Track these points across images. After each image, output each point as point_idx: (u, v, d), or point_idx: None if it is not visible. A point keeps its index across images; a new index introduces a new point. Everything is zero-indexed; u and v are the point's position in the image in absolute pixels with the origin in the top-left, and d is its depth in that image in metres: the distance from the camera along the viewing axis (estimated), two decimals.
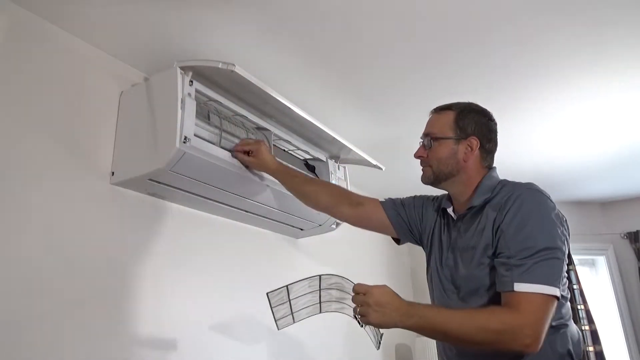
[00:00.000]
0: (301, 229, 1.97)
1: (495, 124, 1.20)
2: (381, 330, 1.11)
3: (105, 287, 1.29)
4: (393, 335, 2.80)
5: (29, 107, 1.22)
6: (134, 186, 1.40)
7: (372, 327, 1.12)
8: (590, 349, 2.80)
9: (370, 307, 0.98)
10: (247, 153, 1.42)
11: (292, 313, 1.15)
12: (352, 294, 1.03)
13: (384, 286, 1.01)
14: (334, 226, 1.93)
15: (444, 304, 1.14)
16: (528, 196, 1.04)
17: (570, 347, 1.02)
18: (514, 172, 2.63)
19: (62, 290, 1.19)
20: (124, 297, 1.33)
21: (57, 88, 1.29)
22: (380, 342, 1.15)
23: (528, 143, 2.21)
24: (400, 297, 1.00)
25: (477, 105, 1.20)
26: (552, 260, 0.96)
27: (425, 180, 1.21)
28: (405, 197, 1.37)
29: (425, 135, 1.20)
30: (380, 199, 1.38)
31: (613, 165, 2.54)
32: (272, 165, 1.42)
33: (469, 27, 1.39)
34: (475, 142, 1.14)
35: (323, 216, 1.79)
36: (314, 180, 1.58)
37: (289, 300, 1.15)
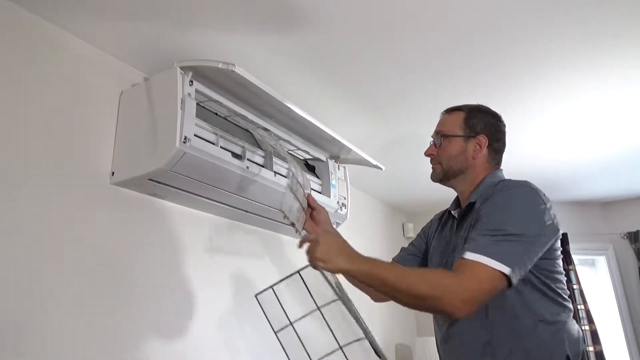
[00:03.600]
0: (302, 229, 1.96)
1: (504, 125, 1.24)
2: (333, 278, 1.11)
3: (105, 287, 1.29)
4: (393, 335, 2.80)
5: (29, 107, 1.22)
6: (134, 186, 1.39)
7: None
8: (590, 349, 2.80)
9: (317, 259, 1.01)
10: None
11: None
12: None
13: (328, 236, 1.06)
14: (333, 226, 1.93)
15: None
16: (516, 188, 1.08)
17: (567, 347, 1.01)
18: (515, 173, 2.62)
19: (62, 290, 1.19)
20: (123, 298, 1.33)
21: (57, 88, 1.29)
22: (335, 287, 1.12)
23: (528, 143, 2.21)
24: (346, 245, 1.05)
25: (486, 107, 1.25)
26: (515, 244, 0.96)
27: (435, 177, 1.24)
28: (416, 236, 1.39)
29: (436, 133, 1.24)
30: (394, 257, 1.36)
31: (613, 165, 2.53)
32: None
33: (469, 28, 1.38)
34: (484, 140, 1.18)
35: None
36: None
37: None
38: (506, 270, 0.93)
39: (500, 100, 1.81)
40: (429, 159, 1.24)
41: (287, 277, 1.11)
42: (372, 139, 2.11)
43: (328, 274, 1.06)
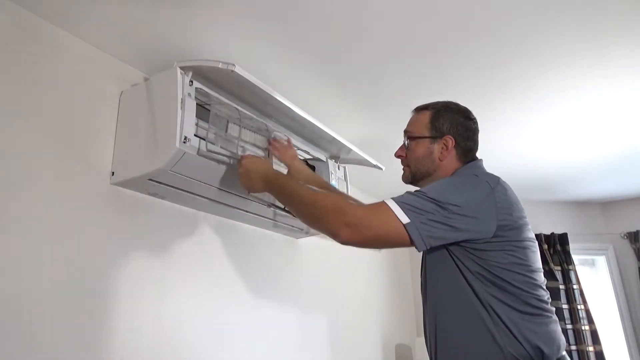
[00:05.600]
0: (301, 229, 1.97)
1: (474, 122, 1.20)
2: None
3: (105, 288, 1.29)
4: (393, 335, 2.80)
5: (29, 107, 1.22)
6: (134, 186, 1.39)
7: None
8: (590, 349, 2.80)
9: (241, 174, 1.23)
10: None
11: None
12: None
13: (255, 157, 1.25)
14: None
15: (422, 293, 1.18)
16: (464, 174, 1.10)
17: (522, 340, 0.95)
18: (515, 173, 2.64)
19: (61, 290, 1.19)
20: (124, 298, 1.33)
21: (57, 88, 1.29)
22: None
23: (528, 143, 2.21)
24: (268, 167, 1.21)
25: (455, 104, 1.21)
26: (428, 204, 0.97)
27: (405, 179, 1.25)
28: None
29: (404, 133, 1.24)
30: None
31: (613, 165, 2.53)
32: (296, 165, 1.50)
33: (468, 26, 1.38)
34: (450, 140, 1.15)
35: None
36: (328, 188, 1.58)
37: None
38: (404, 219, 0.94)
39: (500, 100, 1.81)
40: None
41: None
42: (372, 139, 2.11)
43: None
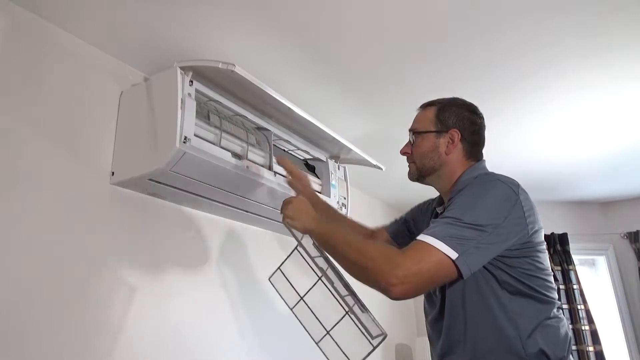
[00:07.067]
0: None
1: (481, 117, 1.19)
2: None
3: (104, 288, 1.29)
4: (393, 335, 2.80)
5: (29, 107, 1.22)
6: (134, 186, 1.40)
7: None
8: (590, 349, 2.80)
9: (292, 205, 1.15)
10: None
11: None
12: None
13: (302, 199, 1.19)
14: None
15: (428, 302, 1.17)
16: (489, 182, 1.05)
17: (544, 347, 0.97)
18: (515, 173, 2.62)
19: (62, 290, 1.19)
20: (124, 298, 1.33)
21: (57, 88, 1.29)
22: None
23: (527, 143, 2.21)
24: (318, 209, 1.17)
25: (461, 100, 1.20)
26: (467, 231, 0.93)
27: (411, 176, 1.23)
28: (410, 209, 1.41)
29: (409, 131, 1.22)
30: (387, 223, 1.44)
31: (613, 165, 2.53)
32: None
33: (468, 26, 1.38)
34: (456, 134, 1.14)
35: None
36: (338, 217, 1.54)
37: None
38: (453, 255, 0.90)
39: (502, 102, 1.81)
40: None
41: (289, 256, 1.17)
42: (372, 139, 2.11)
43: (302, 237, 1.16)
